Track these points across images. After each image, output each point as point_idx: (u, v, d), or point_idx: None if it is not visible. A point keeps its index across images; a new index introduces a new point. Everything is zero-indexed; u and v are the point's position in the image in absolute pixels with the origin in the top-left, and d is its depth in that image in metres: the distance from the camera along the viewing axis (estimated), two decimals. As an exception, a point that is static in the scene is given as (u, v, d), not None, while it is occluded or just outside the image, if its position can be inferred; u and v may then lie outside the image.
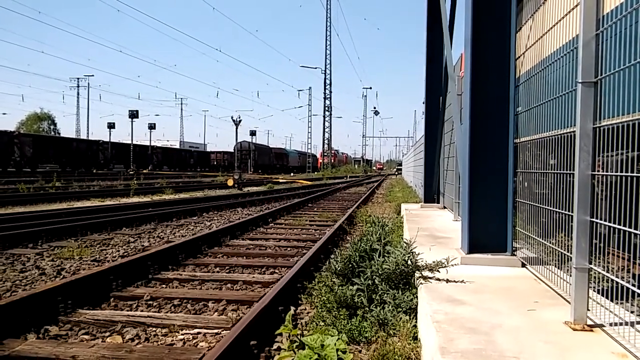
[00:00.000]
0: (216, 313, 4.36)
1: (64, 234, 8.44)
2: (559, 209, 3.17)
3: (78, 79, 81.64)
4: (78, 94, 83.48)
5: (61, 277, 5.56)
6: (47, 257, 6.68)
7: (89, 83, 78.84)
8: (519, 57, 4.26)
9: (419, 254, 3.92)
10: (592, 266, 2.57)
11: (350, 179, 42.76)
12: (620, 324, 2.47)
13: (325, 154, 75.03)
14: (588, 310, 2.58)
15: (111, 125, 49.78)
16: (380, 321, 3.40)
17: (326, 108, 69.90)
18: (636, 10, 2.40)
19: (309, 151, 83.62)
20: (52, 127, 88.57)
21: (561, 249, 3.16)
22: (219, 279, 5.52)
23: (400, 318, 3.33)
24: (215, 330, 3.83)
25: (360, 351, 3.21)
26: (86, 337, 3.74)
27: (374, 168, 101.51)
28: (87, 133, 79.42)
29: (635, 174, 2.34)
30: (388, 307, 3.49)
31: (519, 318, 2.75)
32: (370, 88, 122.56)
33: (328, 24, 66.88)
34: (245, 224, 9.70)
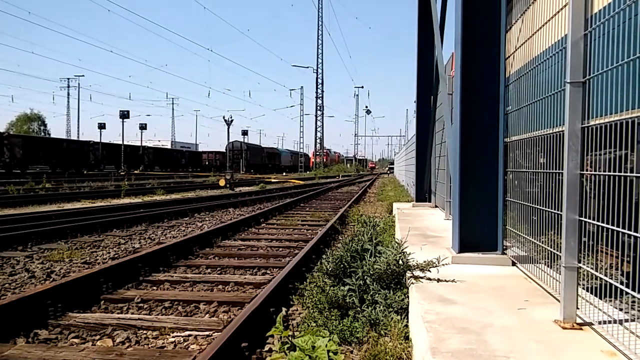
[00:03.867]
0: (207, 315, 4.34)
1: (54, 236, 8.37)
2: (549, 207, 3.18)
3: (68, 79, 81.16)
4: (68, 94, 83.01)
5: (51, 280, 5.52)
6: (37, 260, 6.62)
7: (79, 83, 78.71)
8: (509, 56, 4.28)
9: (410, 253, 3.92)
10: (581, 265, 2.58)
11: (343, 178, 42.80)
12: (610, 322, 2.48)
13: (318, 153, 75.01)
14: (577, 308, 2.59)
15: (102, 126, 49.40)
16: (372, 321, 3.40)
17: (318, 107, 69.93)
18: (624, 10, 2.42)
19: (301, 150, 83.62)
20: (42, 127, 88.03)
21: (551, 247, 3.18)
22: (211, 280, 5.50)
23: (392, 318, 3.33)
24: (207, 332, 3.81)
25: (351, 352, 3.21)
26: (76, 340, 3.71)
27: (367, 168, 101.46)
28: (78, 134, 78.97)
29: (623, 174, 2.35)
30: (379, 307, 3.49)
31: (510, 317, 2.76)
32: (362, 87, 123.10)
33: (320, 23, 66.93)
34: (237, 225, 9.67)
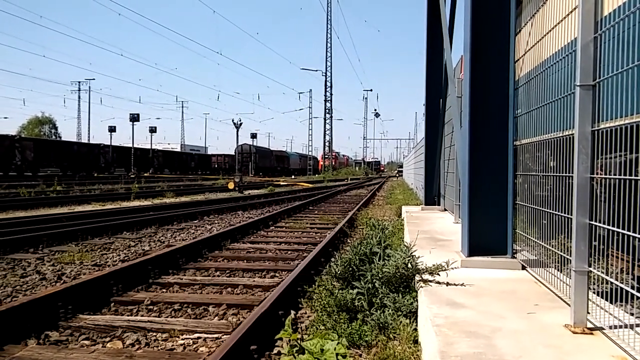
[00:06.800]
0: (216, 317, 4.35)
1: (65, 239, 8.44)
2: (559, 211, 3.16)
3: (79, 82, 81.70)
4: (79, 97, 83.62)
5: (62, 282, 5.56)
6: (48, 262, 6.68)
7: (90, 87, 79.04)
8: (518, 59, 4.26)
9: (419, 257, 3.91)
10: (591, 269, 2.56)
11: (351, 182, 42.75)
12: (620, 326, 2.46)
13: (326, 156, 74.97)
14: (588, 313, 2.58)
15: (112, 129, 49.93)
16: (381, 325, 3.39)
17: (327, 110, 69.85)
18: (634, 13, 2.40)
19: (310, 154, 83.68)
20: (53, 131, 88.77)
21: (561, 251, 3.16)
22: (220, 283, 5.52)
23: (401, 322, 3.32)
24: (216, 335, 3.82)
25: (360, 355, 3.20)
26: (86, 342, 3.74)
27: (377, 172, 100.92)
28: (88, 137, 79.51)
29: (634, 177, 2.34)
30: (388, 310, 3.49)
31: (519, 321, 2.75)
32: (371, 90, 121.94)
33: (328, 26, 66.97)
34: (246, 227, 9.70)
